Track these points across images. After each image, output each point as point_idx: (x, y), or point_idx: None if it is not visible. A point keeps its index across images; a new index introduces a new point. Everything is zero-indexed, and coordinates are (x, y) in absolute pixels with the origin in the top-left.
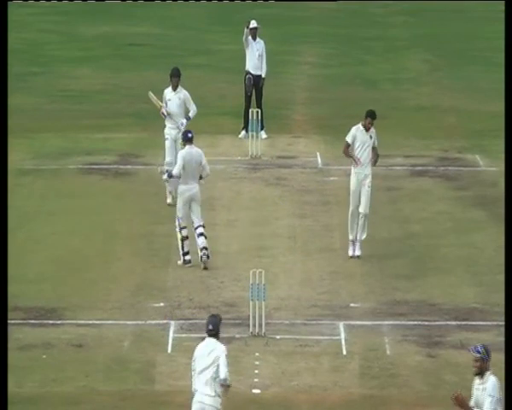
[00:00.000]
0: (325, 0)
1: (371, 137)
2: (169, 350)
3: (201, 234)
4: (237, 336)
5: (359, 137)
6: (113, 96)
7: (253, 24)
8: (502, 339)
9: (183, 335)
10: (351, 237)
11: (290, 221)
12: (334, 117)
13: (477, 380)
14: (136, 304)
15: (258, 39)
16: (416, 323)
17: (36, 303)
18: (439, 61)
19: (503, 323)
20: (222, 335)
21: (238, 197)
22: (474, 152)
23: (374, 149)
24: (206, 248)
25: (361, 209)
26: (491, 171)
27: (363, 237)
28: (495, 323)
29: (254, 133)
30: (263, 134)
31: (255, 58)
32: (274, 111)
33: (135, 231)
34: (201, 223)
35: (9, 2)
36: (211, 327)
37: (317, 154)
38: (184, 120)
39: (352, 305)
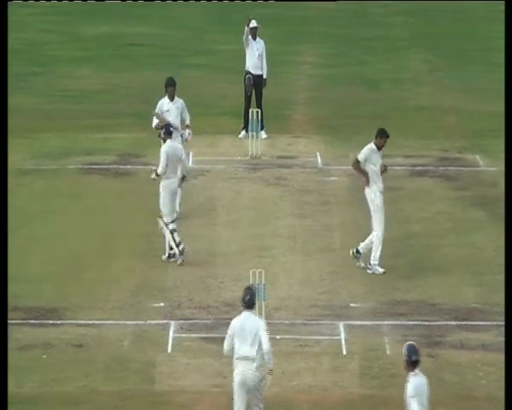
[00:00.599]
0: (325, 0)
1: (382, 154)
2: (169, 350)
3: (175, 230)
4: None
5: (374, 158)
6: (113, 96)
7: (253, 23)
8: (502, 339)
9: (183, 335)
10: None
11: (290, 221)
12: (334, 117)
13: None
14: (136, 304)
15: (258, 39)
16: (415, 323)
17: (36, 303)
18: (439, 61)
19: (503, 323)
20: (221, 335)
21: (238, 197)
22: (474, 152)
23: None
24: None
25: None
26: (491, 171)
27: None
28: (495, 323)
29: (254, 133)
30: (263, 134)
31: (255, 58)
32: (274, 111)
33: (135, 231)
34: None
35: (9, 2)
36: (248, 298)
37: (317, 154)
38: (187, 132)
39: (351, 305)
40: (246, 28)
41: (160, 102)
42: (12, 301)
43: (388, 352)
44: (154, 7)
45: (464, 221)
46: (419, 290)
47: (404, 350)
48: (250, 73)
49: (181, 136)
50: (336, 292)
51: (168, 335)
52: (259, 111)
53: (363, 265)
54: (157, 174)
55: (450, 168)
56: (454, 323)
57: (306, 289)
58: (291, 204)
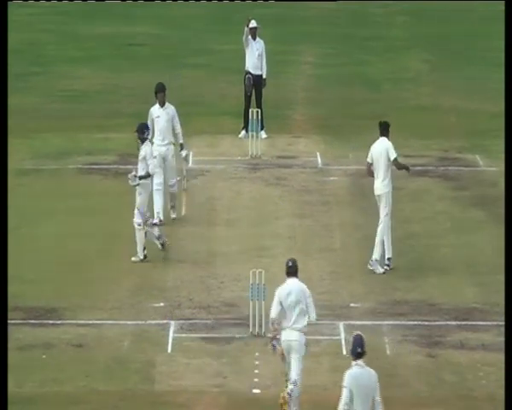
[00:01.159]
0: (325, 0)
1: None
2: (169, 350)
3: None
4: (237, 336)
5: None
6: (113, 96)
7: (253, 23)
8: (502, 339)
9: (183, 335)
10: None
11: (290, 221)
12: (334, 117)
13: None
14: (136, 304)
15: (257, 39)
16: (416, 323)
17: (36, 303)
18: (439, 61)
19: (503, 323)
20: (221, 335)
21: (238, 197)
22: (474, 152)
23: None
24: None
25: None
26: (491, 171)
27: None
28: (495, 323)
29: (254, 133)
30: (263, 134)
31: (255, 58)
32: (274, 111)
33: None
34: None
35: (9, 2)
36: (290, 264)
37: (317, 154)
38: (184, 152)
39: (352, 305)
40: (245, 28)
41: (151, 110)
42: (12, 301)
43: (388, 352)
44: (154, 7)
45: (464, 221)
46: (419, 290)
47: (351, 339)
48: (250, 73)
49: (182, 153)
50: (336, 292)
51: (168, 335)
52: (259, 111)
53: (382, 270)
54: (147, 176)
55: (450, 168)
56: (454, 323)
57: None
58: (291, 204)
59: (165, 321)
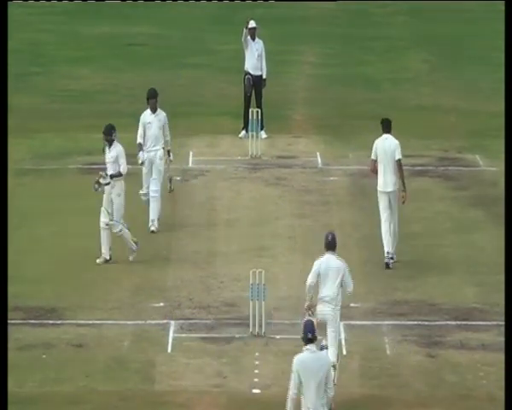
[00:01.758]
0: (325, 0)
1: None
2: (169, 350)
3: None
4: (237, 336)
5: None
6: (113, 96)
7: (252, 24)
8: (502, 339)
9: (183, 335)
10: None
11: (290, 221)
12: (335, 117)
13: None
14: (136, 304)
15: (257, 39)
16: (415, 323)
17: (36, 303)
18: (439, 61)
19: (503, 323)
20: (221, 335)
21: (238, 197)
22: (474, 152)
23: None
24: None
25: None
26: (491, 171)
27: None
28: (495, 323)
29: (254, 133)
30: (263, 134)
31: (254, 58)
32: (274, 111)
33: (135, 231)
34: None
35: (9, 2)
36: (330, 239)
37: (317, 154)
38: (170, 159)
39: (352, 305)
40: (244, 30)
41: (142, 115)
42: (12, 301)
43: (388, 352)
44: (154, 7)
45: (464, 221)
46: (419, 290)
47: (302, 325)
48: (249, 73)
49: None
50: None
51: (168, 335)
52: (259, 111)
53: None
54: (119, 175)
55: (450, 168)
56: (454, 323)
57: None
58: (291, 204)
59: (165, 321)
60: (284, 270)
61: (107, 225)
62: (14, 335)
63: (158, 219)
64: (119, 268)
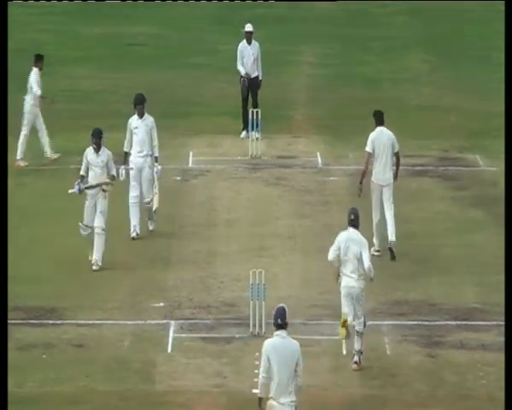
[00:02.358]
0: (325, 0)
1: None
2: (169, 350)
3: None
4: (237, 336)
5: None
6: (113, 96)
7: (249, 27)
8: (502, 339)
9: (183, 335)
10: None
11: (290, 221)
12: (334, 117)
13: None
14: (136, 304)
15: (253, 43)
16: (415, 323)
17: (36, 303)
18: (439, 61)
19: (503, 323)
20: (221, 335)
21: (238, 197)
22: (474, 152)
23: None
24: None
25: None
26: (491, 171)
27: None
28: (495, 323)
29: (252, 133)
30: (255, 134)
31: (250, 62)
32: (274, 111)
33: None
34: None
35: (9, 2)
36: (353, 217)
37: (317, 154)
38: (159, 168)
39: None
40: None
41: (129, 121)
42: (12, 301)
43: (388, 352)
44: (154, 7)
45: (464, 221)
46: (419, 290)
47: (273, 311)
48: (245, 76)
49: (157, 167)
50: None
51: (168, 335)
52: (259, 111)
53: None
54: (114, 178)
55: (450, 168)
56: (454, 323)
57: (306, 289)
58: (291, 204)
59: (165, 321)
60: (284, 270)
61: (90, 227)
62: (14, 335)
63: (139, 226)
64: (119, 268)
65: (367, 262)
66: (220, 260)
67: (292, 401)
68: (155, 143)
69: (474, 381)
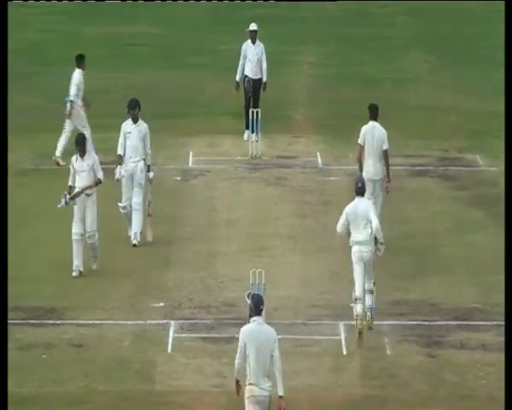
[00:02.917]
0: (325, 0)
1: None
2: (169, 350)
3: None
4: (237, 336)
5: None
6: (113, 96)
7: (253, 27)
8: (502, 339)
9: (183, 335)
10: None
11: (290, 221)
12: (335, 117)
13: None
14: (136, 304)
15: (257, 43)
16: (415, 323)
17: (36, 303)
18: (439, 61)
19: (503, 323)
20: (221, 335)
21: (238, 197)
22: (474, 152)
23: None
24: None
25: None
26: (491, 171)
27: None
28: (495, 323)
29: (254, 133)
30: (253, 136)
31: (254, 62)
32: (274, 111)
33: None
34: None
35: (9, 2)
36: (360, 185)
37: (317, 154)
38: (151, 174)
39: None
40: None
41: (123, 125)
42: (12, 301)
43: (388, 352)
44: (154, 7)
45: (464, 221)
46: (419, 290)
47: (250, 299)
48: (249, 77)
49: (149, 175)
50: (336, 292)
51: (168, 335)
52: (259, 111)
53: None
54: (100, 182)
55: (450, 168)
56: (454, 323)
57: (306, 289)
58: (291, 204)
59: (165, 321)
60: (284, 270)
61: (82, 235)
62: (14, 335)
63: (140, 233)
64: (119, 268)
65: (375, 221)
66: (220, 260)
67: (270, 386)
68: (148, 150)
69: (474, 381)
